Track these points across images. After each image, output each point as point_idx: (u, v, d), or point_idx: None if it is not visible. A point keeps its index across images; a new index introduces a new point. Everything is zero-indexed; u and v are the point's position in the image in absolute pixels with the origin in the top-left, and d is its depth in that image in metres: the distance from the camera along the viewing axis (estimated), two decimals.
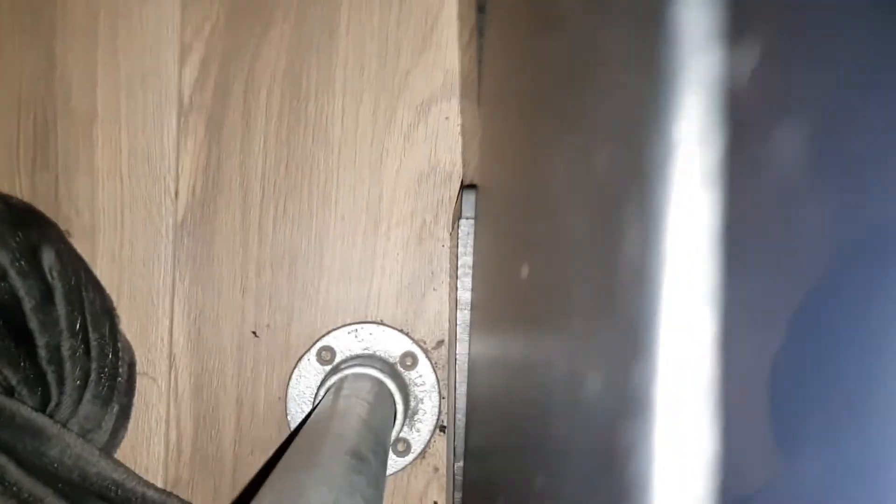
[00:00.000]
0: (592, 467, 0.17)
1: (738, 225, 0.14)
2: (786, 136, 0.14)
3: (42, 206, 0.58)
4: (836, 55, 0.13)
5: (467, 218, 0.39)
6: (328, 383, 0.56)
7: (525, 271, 0.23)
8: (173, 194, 0.59)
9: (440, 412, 0.61)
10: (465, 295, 0.39)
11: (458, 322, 0.40)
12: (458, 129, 0.59)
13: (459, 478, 0.42)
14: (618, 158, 0.16)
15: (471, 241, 0.38)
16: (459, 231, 0.38)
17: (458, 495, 0.42)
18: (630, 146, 0.15)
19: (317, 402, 0.57)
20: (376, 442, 0.36)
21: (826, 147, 0.13)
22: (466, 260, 0.38)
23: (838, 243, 0.14)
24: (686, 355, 0.14)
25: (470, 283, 0.39)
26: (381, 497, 0.31)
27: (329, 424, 0.36)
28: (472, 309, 0.40)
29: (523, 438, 0.23)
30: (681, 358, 0.14)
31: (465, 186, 0.44)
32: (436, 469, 0.61)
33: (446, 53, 0.59)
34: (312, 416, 0.43)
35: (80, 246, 0.58)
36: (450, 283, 0.54)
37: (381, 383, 0.55)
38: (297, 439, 0.35)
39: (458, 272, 0.39)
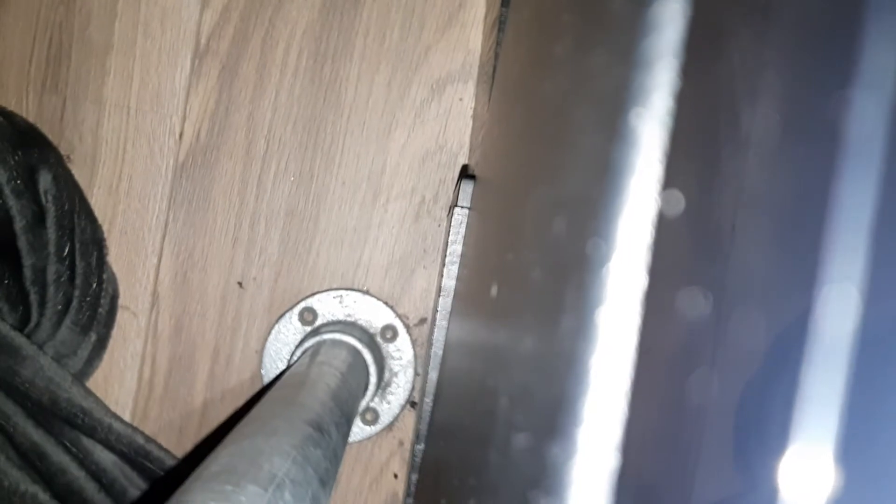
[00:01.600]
0: (522, 456, 0.17)
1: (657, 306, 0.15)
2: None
3: (46, 129, 0.58)
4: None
5: (462, 207, 0.39)
6: (306, 345, 0.57)
7: (494, 290, 0.23)
8: (177, 135, 0.59)
9: (413, 388, 0.61)
10: (449, 283, 0.39)
11: (439, 308, 0.40)
12: (471, 112, 0.59)
13: (419, 460, 0.43)
14: (573, 221, 0.16)
15: (462, 231, 0.38)
16: (453, 219, 0.38)
17: (415, 476, 0.42)
18: (581, 212, 0.15)
19: (292, 360, 0.58)
20: (341, 415, 0.37)
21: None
22: (456, 248, 0.39)
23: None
24: (607, 379, 0.14)
25: (456, 271, 0.39)
26: (335, 472, 0.31)
27: (297, 392, 0.37)
28: (454, 297, 0.40)
29: (473, 428, 0.24)
30: (604, 379, 0.14)
31: (465, 175, 0.44)
32: (401, 443, 0.61)
33: (470, 35, 0.58)
34: (283, 379, 0.44)
35: (78, 173, 0.58)
36: (439, 268, 0.54)
37: (358, 352, 0.56)
38: (263, 402, 0.36)
39: (447, 259, 0.39)
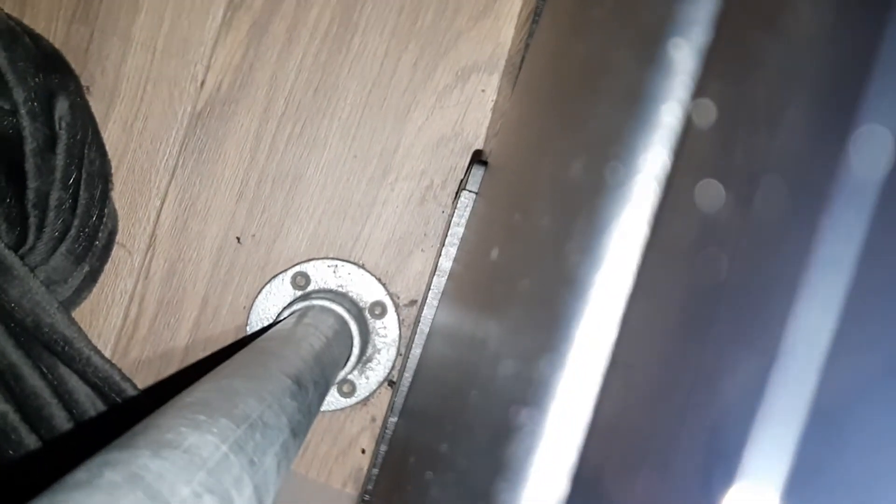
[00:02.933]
0: (485, 443, 0.18)
1: (660, 263, 0.15)
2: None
3: (70, 57, 0.58)
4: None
5: (470, 191, 0.39)
6: (294, 307, 0.57)
7: (495, 254, 0.24)
8: (199, 83, 0.59)
9: (393, 367, 0.61)
10: (446, 263, 0.40)
11: (432, 287, 0.40)
12: (492, 104, 0.59)
13: (390, 432, 0.43)
14: (584, 177, 0.16)
15: (467, 215, 0.39)
16: (459, 202, 0.39)
17: (384, 448, 0.42)
18: (593, 172, 0.16)
19: (279, 319, 0.58)
20: (321, 375, 0.37)
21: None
22: (458, 231, 0.39)
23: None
24: (584, 363, 0.15)
25: (454, 252, 0.39)
26: (307, 427, 0.32)
27: (281, 346, 0.37)
28: (448, 278, 0.41)
29: (446, 406, 0.24)
30: (579, 364, 0.15)
31: (477, 160, 0.45)
32: (373, 419, 0.62)
33: (503, 27, 0.59)
34: (268, 332, 0.44)
35: (96, 105, 0.58)
36: (437, 250, 0.54)
37: (345, 322, 0.56)
38: (246, 350, 0.36)
39: (447, 240, 0.39)
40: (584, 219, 0.16)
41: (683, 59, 0.15)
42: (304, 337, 0.42)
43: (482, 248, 0.30)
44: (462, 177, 0.58)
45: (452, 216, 0.39)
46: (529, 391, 0.14)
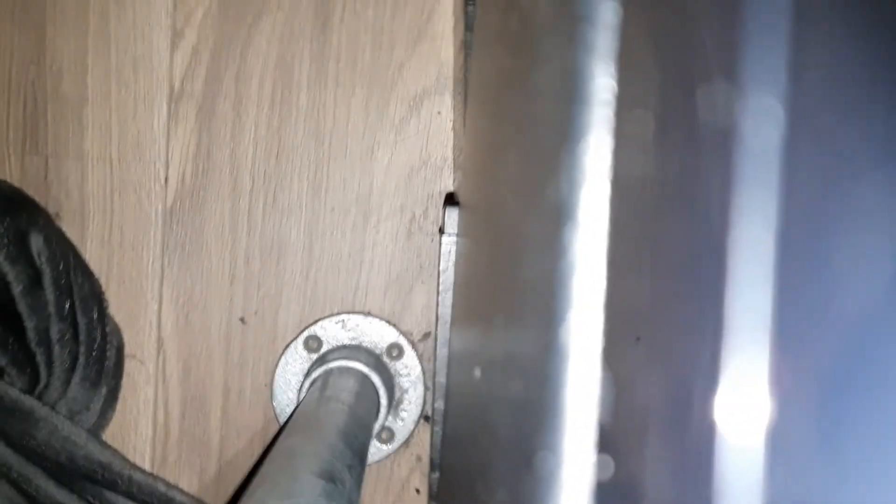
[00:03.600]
0: (510, 454, 0.18)
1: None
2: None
3: (31, 190, 0.58)
4: None
5: (449, 235, 0.39)
6: (313, 374, 0.57)
7: (482, 279, 0.24)
8: (163, 180, 0.59)
9: (425, 402, 0.62)
10: (444, 311, 0.40)
11: (437, 336, 0.40)
12: (451, 124, 0.59)
13: (435, 489, 0.43)
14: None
15: (452, 259, 0.39)
16: (441, 248, 0.39)
17: (436, 480, 0.43)
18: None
19: (301, 394, 0.58)
20: (353, 456, 0.37)
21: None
22: (447, 277, 0.39)
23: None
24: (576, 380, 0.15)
25: (450, 299, 0.39)
26: None
27: (306, 440, 0.37)
28: (452, 322, 0.41)
29: (479, 425, 0.25)
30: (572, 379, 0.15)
31: (449, 202, 0.44)
32: (419, 458, 0.62)
33: (441, 46, 0.58)
34: (290, 423, 0.44)
35: (69, 229, 0.59)
36: (436, 289, 0.54)
37: (366, 377, 0.56)
38: (273, 455, 0.36)
39: (440, 287, 0.39)
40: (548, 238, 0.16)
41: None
42: (327, 416, 0.42)
43: (473, 278, 0.30)
44: (441, 204, 0.58)
45: (439, 263, 0.39)
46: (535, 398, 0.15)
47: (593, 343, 0.15)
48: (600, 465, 0.15)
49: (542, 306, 0.16)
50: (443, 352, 0.44)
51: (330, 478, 0.32)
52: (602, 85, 0.15)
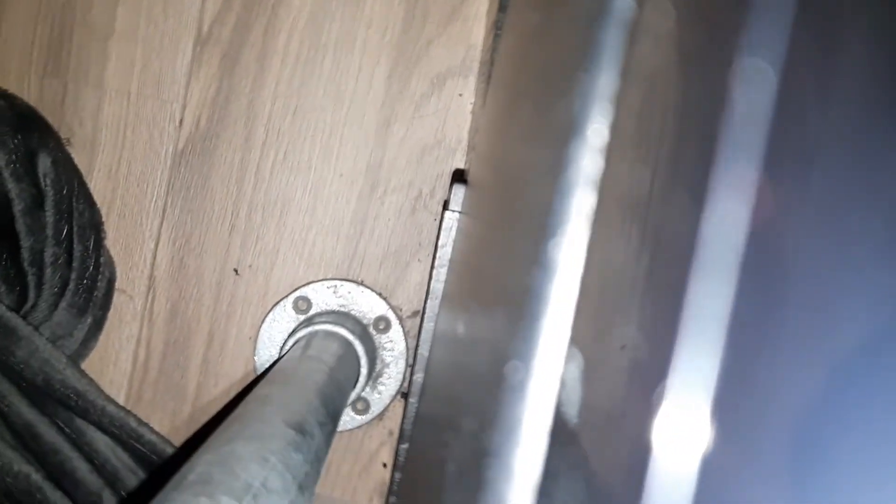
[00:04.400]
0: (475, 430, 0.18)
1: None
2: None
3: (47, 113, 0.58)
4: None
5: (453, 211, 0.39)
6: (298, 334, 0.57)
7: (475, 260, 0.24)
8: (178, 122, 0.59)
9: (404, 379, 0.62)
10: (437, 286, 0.40)
11: (426, 310, 0.41)
12: (470, 107, 0.59)
13: (402, 459, 0.43)
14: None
15: (452, 235, 0.39)
16: (444, 223, 0.39)
17: (398, 476, 0.43)
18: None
19: (284, 349, 0.58)
20: (326, 415, 0.37)
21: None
22: (445, 252, 0.39)
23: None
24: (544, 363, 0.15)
25: (444, 275, 0.39)
26: (316, 475, 0.32)
27: (282, 391, 0.37)
28: (443, 299, 0.41)
29: (453, 406, 0.25)
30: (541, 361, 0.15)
31: (457, 178, 0.44)
32: (391, 433, 0.62)
33: (473, 28, 0.58)
34: (270, 373, 0.44)
35: (78, 157, 0.59)
36: (430, 264, 0.54)
37: (349, 344, 0.56)
38: (248, 400, 0.36)
39: (436, 262, 0.39)
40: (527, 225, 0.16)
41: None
42: (306, 375, 0.42)
43: (468, 256, 0.31)
44: (447, 191, 0.58)
45: (438, 238, 0.39)
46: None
47: (561, 340, 0.15)
48: (550, 456, 0.15)
49: (517, 297, 0.16)
50: (429, 326, 0.44)
51: (300, 429, 0.32)
52: (606, 91, 0.15)
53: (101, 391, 0.55)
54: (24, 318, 0.55)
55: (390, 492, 0.51)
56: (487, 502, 0.15)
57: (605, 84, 0.15)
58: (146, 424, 0.56)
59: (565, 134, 0.15)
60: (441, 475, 0.22)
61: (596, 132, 0.15)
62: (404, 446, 0.43)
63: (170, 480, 0.26)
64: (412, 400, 0.48)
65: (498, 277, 0.19)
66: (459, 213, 0.39)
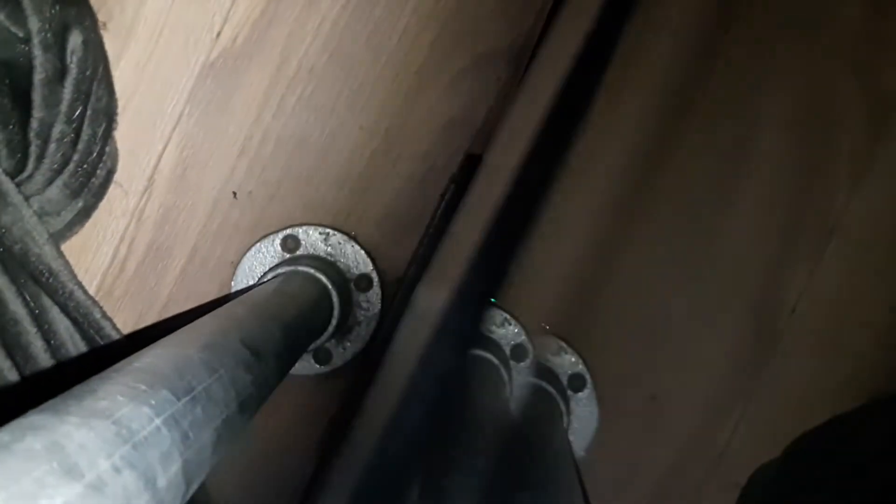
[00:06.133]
0: None
1: None
2: None
3: None
4: None
5: (456, 185, 0.39)
6: (280, 269, 0.57)
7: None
8: (215, 34, 0.59)
9: (372, 340, 0.62)
10: (426, 252, 0.40)
11: (405, 278, 0.40)
12: (504, 93, 0.58)
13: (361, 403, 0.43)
14: None
15: (452, 211, 0.39)
16: (447, 197, 0.39)
17: (355, 419, 0.43)
18: None
19: (263, 280, 0.58)
20: (285, 347, 0.37)
21: None
22: (439, 226, 0.39)
23: None
24: None
25: (437, 243, 0.39)
26: (260, 401, 0.32)
27: (249, 312, 0.37)
28: (429, 268, 0.41)
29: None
30: None
31: (470, 156, 0.44)
32: (344, 391, 0.62)
33: (525, 17, 0.58)
34: (244, 295, 0.44)
35: (110, 42, 0.58)
36: (424, 235, 0.54)
37: (327, 292, 0.56)
38: (214, 313, 0.36)
39: (428, 231, 0.39)
40: None
41: None
42: (278, 306, 0.42)
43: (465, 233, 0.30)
44: (458, 170, 0.58)
45: (439, 209, 0.39)
46: None
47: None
48: None
49: None
50: (407, 297, 0.44)
51: (256, 352, 0.32)
52: None
53: (74, 276, 0.55)
54: (18, 186, 0.54)
55: (329, 446, 0.51)
56: None
57: None
58: (110, 319, 0.56)
59: None
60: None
61: None
62: (350, 408, 0.43)
63: (116, 364, 0.26)
64: (374, 364, 0.48)
65: None
66: (466, 193, 0.39)
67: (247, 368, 0.31)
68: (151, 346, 0.29)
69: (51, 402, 0.21)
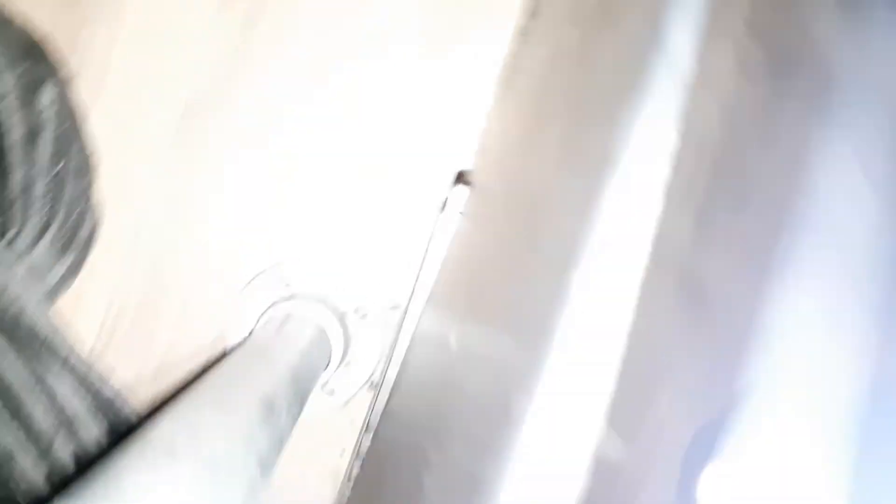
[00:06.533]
0: None
1: None
2: None
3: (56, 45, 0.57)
4: None
5: (452, 212, 0.38)
6: (278, 307, 0.57)
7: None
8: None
9: (375, 370, 0.61)
10: (424, 284, 0.39)
11: (407, 309, 0.40)
12: (488, 111, 0.58)
13: (371, 434, 0.43)
14: None
15: (449, 238, 0.38)
16: (441, 223, 0.38)
17: (358, 463, 0.42)
18: None
19: (260, 322, 0.57)
20: (294, 396, 0.37)
21: None
22: (437, 254, 0.38)
23: None
24: None
25: (433, 277, 0.39)
26: (277, 457, 0.31)
27: (256, 364, 0.37)
28: (430, 297, 0.40)
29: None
30: None
31: (460, 180, 0.44)
32: (352, 421, 0.61)
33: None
34: (245, 345, 0.44)
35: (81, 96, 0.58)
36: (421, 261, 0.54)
37: (327, 327, 0.55)
38: (221, 367, 0.36)
39: (424, 261, 0.39)
40: None
41: None
42: (281, 351, 0.42)
43: (469, 265, 0.30)
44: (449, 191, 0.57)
45: (433, 237, 0.39)
46: None
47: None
48: None
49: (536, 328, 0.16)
50: (410, 324, 0.44)
51: (270, 407, 0.32)
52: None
53: (68, 338, 0.54)
54: (9, 244, 0.53)
55: (348, 479, 0.51)
56: None
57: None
58: (107, 380, 0.55)
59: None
60: (417, 483, 0.22)
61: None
62: (368, 436, 0.42)
63: (130, 436, 0.25)
64: (382, 395, 0.47)
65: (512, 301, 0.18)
66: (461, 214, 0.39)
67: (263, 423, 0.30)
68: (164, 411, 0.28)
69: (75, 486, 0.20)
